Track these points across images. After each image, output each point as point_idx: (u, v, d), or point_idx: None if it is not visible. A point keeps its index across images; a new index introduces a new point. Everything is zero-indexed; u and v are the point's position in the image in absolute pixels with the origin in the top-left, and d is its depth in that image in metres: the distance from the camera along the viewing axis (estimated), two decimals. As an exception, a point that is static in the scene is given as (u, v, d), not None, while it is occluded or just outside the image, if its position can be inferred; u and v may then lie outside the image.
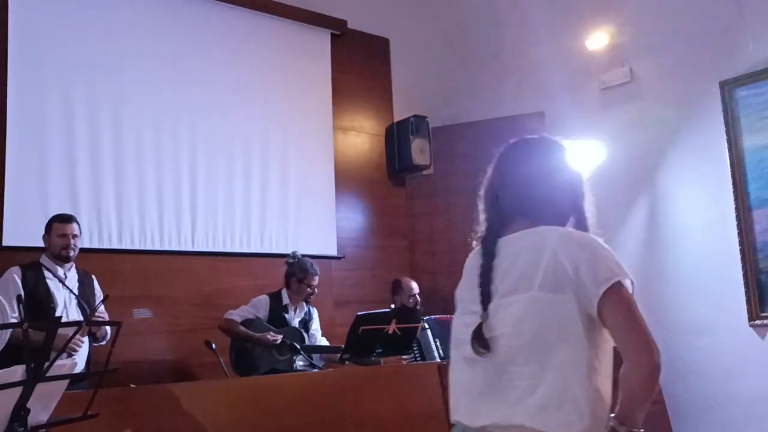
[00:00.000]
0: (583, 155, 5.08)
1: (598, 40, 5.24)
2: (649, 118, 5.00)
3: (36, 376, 1.52)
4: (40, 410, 1.62)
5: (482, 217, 1.77)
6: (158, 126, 4.69)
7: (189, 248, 4.74)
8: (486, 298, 1.61)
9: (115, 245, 4.45)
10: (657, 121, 4.95)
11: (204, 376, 4.43)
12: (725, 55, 4.61)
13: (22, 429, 1.53)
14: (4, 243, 4.06)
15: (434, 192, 5.83)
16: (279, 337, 4.16)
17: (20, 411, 1.54)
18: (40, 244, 3.79)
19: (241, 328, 4.25)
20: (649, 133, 5.00)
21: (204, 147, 4.86)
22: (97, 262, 4.29)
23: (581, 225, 1.67)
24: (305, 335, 4.38)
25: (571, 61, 5.41)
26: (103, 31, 4.55)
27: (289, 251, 4.70)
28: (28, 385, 1.52)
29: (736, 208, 4.51)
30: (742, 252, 4.47)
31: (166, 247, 4.65)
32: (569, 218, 1.69)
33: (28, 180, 4.18)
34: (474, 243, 1.78)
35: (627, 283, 1.52)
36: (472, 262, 1.75)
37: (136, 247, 4.52)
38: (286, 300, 4.45)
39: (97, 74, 4.49)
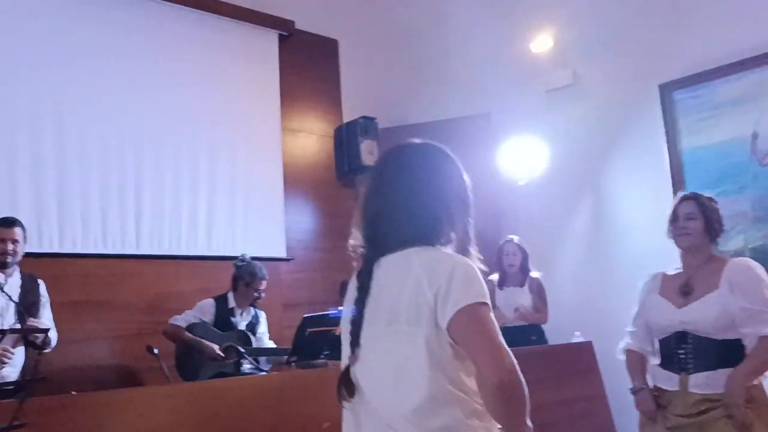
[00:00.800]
0: (528, 156, 5.17)
1: (542, 43, 5.35)
2: (592, 119, 5.12)
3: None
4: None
5: (359, 235, 1.62)
6: (102, 128, 4.58)
7: (134, 252, 4.64)
8: (355, 335, 1.52)
9: (56, 249, 4.33)
10: (599, 123, 5.08)
11: (151, 382, 4.35)
12: (664, 58, 4.75)
13: (-55, 441, 1.48)
14: None
15: (383, 193, 5.83)
16: (221, 355, 4.10)
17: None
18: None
19: (187, 333, 4.20)
20: (593, 135, 5.12)
21: (149, 149, 4.77)
22: (39, 267, 4.17)
23: (464, 243, 1.58)
24: (252, 338, 4.34)
25: (516, 64, 5.50)
26: (45, 32, 4.43)
27: (237, 254, 4.65)
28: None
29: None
30: (681, 250, 4.60)
31: (110, 251, 4.55)
32: (453, 235, 1.57)
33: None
34: (354, 264, 1.65)
35: (480, 304, 1.42)
36: (351, 287, 1.62)
37: (79, 251, 4.41)
38: (232, 303, 4.40)
39: (39, 76, 4.37)
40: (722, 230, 2.75)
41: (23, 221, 4.14)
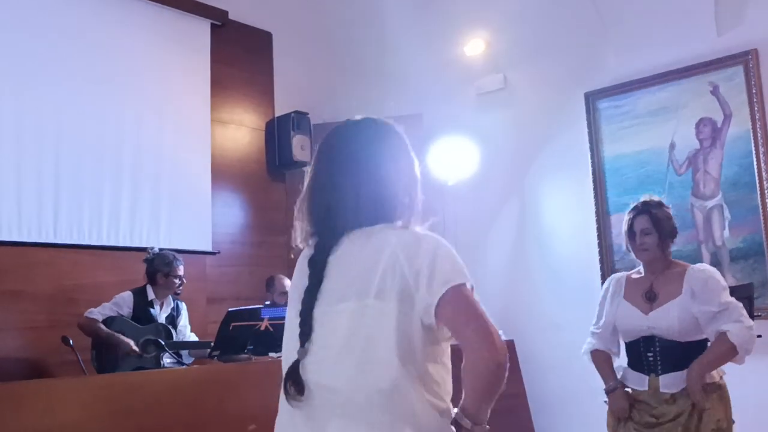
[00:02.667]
0: (458, 157, 5.24)
1: (475, 46, 5.43)
2: (520, 124, 5.24)
3: None
4: None
5: (306, 225, 1.56)
6: (19, 108, 4.36)
7: (50, 240, 4.45)
8: (306, 326, 1.45)
9: (-35, 235, 4.12)
10: (528, 128, 5.20)
11: (63, 376, 4.19)
12: (590, 67, 4.91)
13: None
14: None
15: (314, 189, 5.81)
16: (138, 351, 3.99)
17: None
18: None
19: (102, 327, 4.06)
20: (521, 139, 5.24)
21: (70, 132, 4.57)
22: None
23: (415, 220, 1.54)
24: (173, 331, 4.24)
25: (449, 66, 5.57)
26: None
27: (161, 246, 4.54)
28: None
29: (596, 212, 4.81)
30: (601, 254, 4.77)
31: (25, 239, 4.35)
32: (406, 213, 1.53)
33: None
34: (301, 245, 1.59)
35: (467, 285, 1.42)
36: (297, 281, 1.56)
37: (-9, 237, 4.21)
38: (151, 295, 4.29)
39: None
40: (675, 234, 2.87)
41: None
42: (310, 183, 1.58)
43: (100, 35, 4.78)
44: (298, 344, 1.46)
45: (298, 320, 1.47)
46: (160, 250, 4.35)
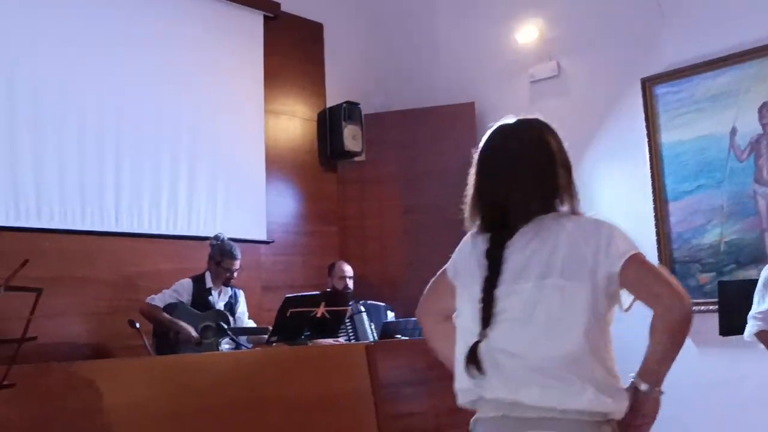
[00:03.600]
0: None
1: (528, 33, 5.37)
2: (574, 111, 5.16)
3: (-55, 340, 1.45)
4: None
5: (477, 212, 1.69)
6: (81, 102, 4.50)
7: (112, 229, 4.59)
8: (487, 312, 1.57)
9: (33, 224, 4.27)
10: (582, 115, 5.11)
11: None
12: (647, 52, 4.80)
13: (-71, 396, 1.46)
14: None
15: (366, 178, 5.85)
16: (197, 338, 4.07)
17: (-73, 377, 1.46)
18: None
19: (163, 314, 4.16)
20: (575, 127, 5.12)
21: (130, 126, 4.70)
22: (16, 241, 4.13)
23: (579, 206, 1.68)
24: (231, 318, 4.32)
25: (502, 54, 5.53)
26: (24, 7, 4.34)
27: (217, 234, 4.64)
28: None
29: (654, 200, 4.72)
30: (659, 242, 4.67)
31: (88, 227, 4.49)
32: (570, 200, 1.68)
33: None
34: (471, 227, 1.72)
35: (642, 254, 1.57)
36: (472, 249, 1.69)
37: (57, 226, 4.35)
38: (209, 283, 4.38)
39: (18, 49, 4.27)
40: None
41: (1, 196, 4.09)
42: (477, 181, 1.70)
43: (156, 29, 4.89)
44: (478, 326, 1.57)
45: (475, 304, 1.59)
46: (227, 239, 4.42)
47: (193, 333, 4.07)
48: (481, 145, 1.75)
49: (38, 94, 4.34)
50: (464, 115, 5.55)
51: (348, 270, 4.92)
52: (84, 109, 4.51)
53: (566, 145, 1.73)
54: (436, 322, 1.83)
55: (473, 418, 1.63)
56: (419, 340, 3.88)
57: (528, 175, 1.64)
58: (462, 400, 1.64)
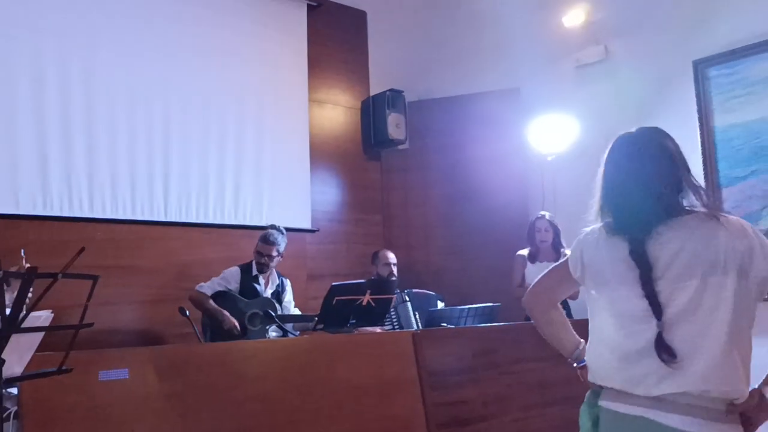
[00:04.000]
0: (557, 131, 5.13)
1: (574, 17, 5.27)
2: (623, 95, 5.05)
3: (11, 326, 1.49)
4: (14, 363, 1.60)
5: (610, 214, 1.81)
6: (131, 94, 4.59)
7: (161, 218, 4.67)
8: (656, 305, 1.68)
9: (86, 213, 4.37)
10: (631, 99, 5.00)
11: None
12: (699, 34, 4.67)
13: (-4, 380, 1.51)
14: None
15: (409, 167, 5.84)
16: (238, 330, 4.13)
17: (-6, 362, 1.51)
18: (11, 210, 3.76)
19: (210, 302, 4.23)
20: (624, 111, 5.04)
21: (178, 117, 4.78)
22: (68, 231, 4.24)
23: (715, 207, 1.76)
24: (277, 306, 4.36)
25: (547, 38, 5.44)
26: (79, 5, 4.43)
27: (263, 223, 4.69)
28: (2, 335, 1.49)
29: (706, 185, 4.59)
30: (711, 228, 4.55)
31: (139, 217, 4.58)
32: (703, 201, 1.75)
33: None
34: (601, 225, 1.83)
35: None
36: (609, 249, 1.80)
37: (108, 216, 4.45)
38: (255, 271, 4.43)
39: (69, 43, 4.37)
40: None
41: (55, 188, 4.20)
42: (607, 184, 1.84)
43: (202, 21, 4.95)
44: (646, 318, 1.68)
45: (635, 300, 1.70)
46: (277, 229, 4.45)
47: (236, 324, 4.12)
48: (607, 153, 1.88)
49: (90, 89, 4.44)
50: (509, 101, 5.49)
51: (392, 257, 4.92)
52: (133, 103, 4.60)
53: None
54: (546, 310, 1.99)
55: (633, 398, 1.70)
56: (466, 328, 3.89)
57: (656, 177, 1.74)
58: (630, 384, 1.70)
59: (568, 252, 4.81)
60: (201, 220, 4.86)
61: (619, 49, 5.16)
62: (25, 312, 1.54)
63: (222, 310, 4.19)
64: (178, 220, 4.75)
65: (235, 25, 5.12)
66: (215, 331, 4.22)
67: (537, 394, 3.57)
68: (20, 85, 4.19)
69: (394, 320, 4.58)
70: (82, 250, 1.60)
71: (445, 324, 3.96)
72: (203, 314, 4.27)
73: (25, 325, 1.55)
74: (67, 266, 1.60)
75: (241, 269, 4.42)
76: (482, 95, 5.59)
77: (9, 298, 1.57)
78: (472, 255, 5.48)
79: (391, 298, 4.16)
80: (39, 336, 1.66)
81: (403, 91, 5.71)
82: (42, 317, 1.62)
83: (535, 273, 4.65)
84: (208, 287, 4.31)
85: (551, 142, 5.13)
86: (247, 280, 4.40)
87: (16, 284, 1.63)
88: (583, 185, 5.47)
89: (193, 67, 4.87)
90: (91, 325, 1.74)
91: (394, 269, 4.89)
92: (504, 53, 5.58)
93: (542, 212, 4.77)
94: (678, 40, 4.77)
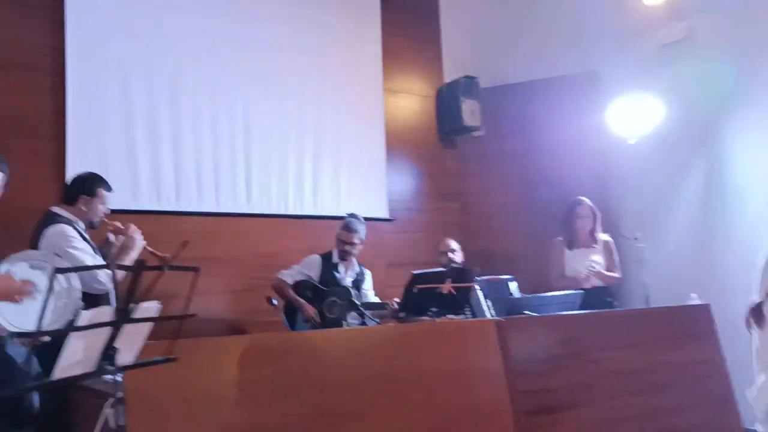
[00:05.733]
0: (638, 114, 4.98)
1: (655, -6, 5.09)
2: (708, 75, 4.85)
3: (123, 316, 1.58)
4: (125, 352, 1.69)
5: None
6: (213, 91, 4.74)
7: (245, 210, 4.81)
8: None
9: (173, 207, 4.54)
10: (717, 79, 4.81)
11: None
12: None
13: (112, 368, 1.59)
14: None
15: (486, 154, 5.80)
16: (317, 319, 4.21)
17: (109, 350, 1.60)
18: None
19: (290, 291, 4.34)
20: (709, 91, 4.86)
21: (258, 111, 4.91)
22: (157, 224, 4.39)
23: None
24: (356, 294, 4.42)
25: (626, 17, 5.27)
26: (163, 8, 4.60)
27: (341, 214, 4.76)
28: (116, 326, 1.58)
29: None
30: (809, 213, 4.35)
31: (223, 210, 4.73)
32: None
33: (88, 144, 4.27)
34: None
35: None
36: None
37: (194, 209, 4.61)
38: (335, 259, 4.50)
39: (157, 48, 4.54)
40: None
41: (144, 182, 4.37)
42: None
43: (276, 15, 5.05)
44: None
45: None
46: (354, 216, 4.51)
47: (314, 314, 4.21)
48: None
49: (175, 89, 4.61)
50: (586, 85, 5.37)
51: (451, 245, 4.91)
52: (215, 99, 4.76)
53: None
54: None
55: None
56: (550, 316, 3.85)
57: None
58: None
59: (604, 237, 4.73)
60: (282, 211, 4.97)
61: (702, 26, 4.95)
62: (135, 303, 1.63)
63: (301, 300, 4.29)
64: (260, 212, 4.88)
65: (310, 18, 5.19)
66: (295, 318, 4.33)
67: (623, 382, 3.50)
68: (108, 84, 4.37)
69: (467, 310, 4.57)
70: (186, 243, 1.67)
71: (527, 312, 3.93)
72: (284, 304, 4.37)
73: (135, 315, 1.64)
74: (172, 259, 1.67)
75: (321, 257, 4.50)
76: (559, 79, 5.48)
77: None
78: (550, 241, 5.40)
79: (471, 286, 4.16)
80: (148, 326, 1.74)
81: (477, 78, 5.66)
82: (151, 308, 1.71)
83: (573, 260, 4.61)
84: (288, 275, 4.42)
85: (632, 126, 4.98)
86: (328, 268, 4.48)
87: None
88: (668, 169, 5.35)
89: (271, 62, 4.98)
90: (193, 315, 1.81)
91: (456, 256, 4.87)
92: (580, 35, 5.45)
93: (580, 197, 4.67)
94: (765, 15, 4.55)
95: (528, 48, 5.71)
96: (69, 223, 3.21)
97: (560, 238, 4.64)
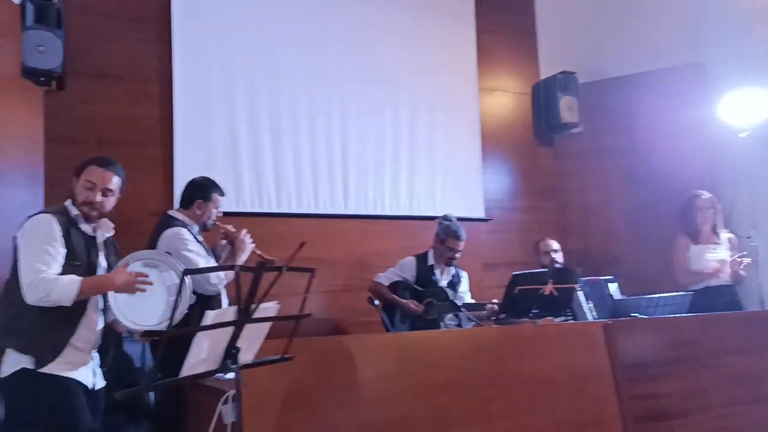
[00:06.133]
0: (749, 106, 4.73)
1: (768, -21, 4.81)
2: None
3: (246, 316, 1.61)
4: (246, 350, 1.73)
5: None
6: (311, 94, 4.84)
7: (341, 212, 4.87)
8: None
9: (274, 209, 4.65)
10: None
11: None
12: None
13: (234, 366, 1.63)
14: (176, 208, 4.34)
15: (584, 151, 5.64)
16: (421, 309, 4.19)
17: (232, 349, 1.64)
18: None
19: (388, 292, 4.33)
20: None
21: (353, 113, 4.97)
22: (256, 226, 4.48)
23: None
24: (452, 295, 4.37)
25: (737, 6, 5.00)
26: (262, 17, 4.73)
27: (436, 214, 4.73)
28: (238, 325, 1.62)
29: None
30: None
31: (321, 211, 4.81)
32: None
33: (195, 151, 4.45)
34: None
35: None
36: None
37: (294, 210, 4.71)
38: (431, 261, 4.47)
39: (253, 48, 4.67)
40: None
41: (245, 186, 4.50)
42: None
43: (371, 15, 5.09)
44: None
45: None
46: (456, 220, 4.48)
47: (414, 305, 4.18)
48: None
49: (274, 94, 4.73)
50: (692, 77, 5.14)
51: (553, 245, 4.78)
52: (313, 103, 4.85)
53: None
54: None
55: None
56: (660, 318, 3.69)
57: None
58: None
59: (727, 234, 4.45)
60: (378, 212, 5.00)
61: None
62: (256, 303, 1.66)
63: (398, 298, 4.28)
64: (356, 213, 4.93)
65: (404, 18, 5.21)
66: (393, 319, 4.32)
67: (742, 390, 3.32)
68: (211, 92, 4.55)
69: (568, 312, 4.45)
70: (303, 244, 1.69)
71: (634, 314, 3.79)
72: (383, 303, 4.38)
73: (255, 315, 1.67)
74: (289, 260, 1.70)
75: (417, 259, 4.48)
76: (662, 72, 5.27)
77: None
78: (654, 241, 5.18)
79: (574, 287, 4.04)
80: (268, 325, 1.77)
81: (575, 73, 5.52)
82: (270, 308, 1.74)
83: (698, 255, 4.37)
84: (385, 278, 4.42)
85: (743, 118, 4.72)
86: (423, 270, 4.45)
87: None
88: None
89: (366, 64, 5.02)
90: (308, 315, 1.84)
91: (557, 257, 4.74)
92: (687, 25, 5.21)
93: (701, 191, 4.43)
94: None
95: (628, 40, 5.51)
96: (184, 225, 3.32)
97: (683, 234, 4.45)
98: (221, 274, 3.09)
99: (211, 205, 3.42)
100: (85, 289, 2.36)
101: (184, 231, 3.28)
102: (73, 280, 2.34)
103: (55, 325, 2.38)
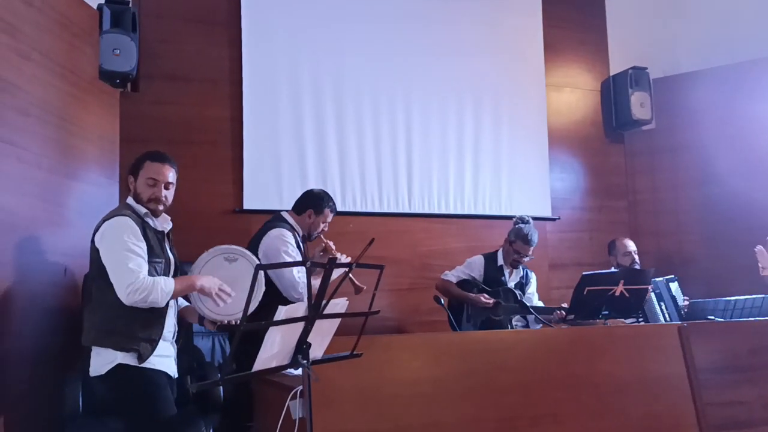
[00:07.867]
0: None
1: None
2: None
3: (316, 312, 1.62)
4: (316, 346, 1.74)
5: None
6: (375, 93, 4.84)
7: (406, 210, 4.86)
8: None
9: (339, 208, 4.66)
10: None
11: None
12: None
13: (305, 361, 1.64)
14: (245, 206, 4.44)
15: (656, 148, 5.47)
16: (491, 301, 4.14)
17: (303, 345, 1.65)
18: (275, 206, 4.10)
19: (456, 288, 4.29)
20: None
21: (418, 112, 4.95)
22: (325, 225, 4.56)
23: None
24: (520, 297, 4.31)
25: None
26: (327, 18, 4.76)
27: (502, 213, 4.67)
28: (309, 321, 1.62)
29: None
30: None
31: (385, 210, 4.81)
32: None
33: (263, 150, 4.52)
34: None
35: None
36: None
37: (358, 209, 4.72)
38: (500, 261, 4.41)
39: (319, 51, 4.71)
40: None
41: (312, 185, 4.54)
42: None
43: (435, 14, 5.06)
44: None
45: None
46: (530, 223, 4.40)
47: (484, 297, 4.13)
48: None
49: (339, 95, 4.76)
50: (772, 71, 4.91)
51: (631, 245, 4.63)
52: (377, 102, 4.85)
53: None
54: None
55: None
56: (739, 322, 3.55)
57: None
58: None
59: None
60: (442, 211, 4.97)
61: None
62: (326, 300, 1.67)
63: (467, 293, 4.24)
64: (420, 211, 4.91)
65: (470, 15, 5.15)
66: (460, 318, 4.29)
67: (829, 399, 3.16)
68: (279, 92, 4.60)
69: (639, 314, 4.32)
70: (372, 241, 1.69)
71: (712, 317, 3.65)
72: (450, 301, 4.35)
73: (326, 311, 1.68)
74: (359, 256, 1.70)
75: (485, 258, 4.43)
76: (739, 66, 5.06)
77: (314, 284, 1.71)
78: (729, 241, 4.98)
79: (646, 288, 3.93)
80: (337, 321, 1.78)
81: (647, 68, 5.36)
82: (339, 304, 1.74)
83: None
84: (452, 275, 4.38)
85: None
86: (492, 269, 4.39)
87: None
88: None
89: (431, 61, 4.99)
90: (377, 312, 1.83)
91: (636, 258, 4.60)
92: (762, 19, 4.99)
93: None
94: None
95: (703, 34, 5.31)
96: (292, 229, 3.47)
97: None
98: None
99: (321, 218, 3.57)
100: (177, 291, 2.45)
101: (289, 234, 3.41)
102: (168, 283, 2.42)
103: (150, 322, 2.46)
